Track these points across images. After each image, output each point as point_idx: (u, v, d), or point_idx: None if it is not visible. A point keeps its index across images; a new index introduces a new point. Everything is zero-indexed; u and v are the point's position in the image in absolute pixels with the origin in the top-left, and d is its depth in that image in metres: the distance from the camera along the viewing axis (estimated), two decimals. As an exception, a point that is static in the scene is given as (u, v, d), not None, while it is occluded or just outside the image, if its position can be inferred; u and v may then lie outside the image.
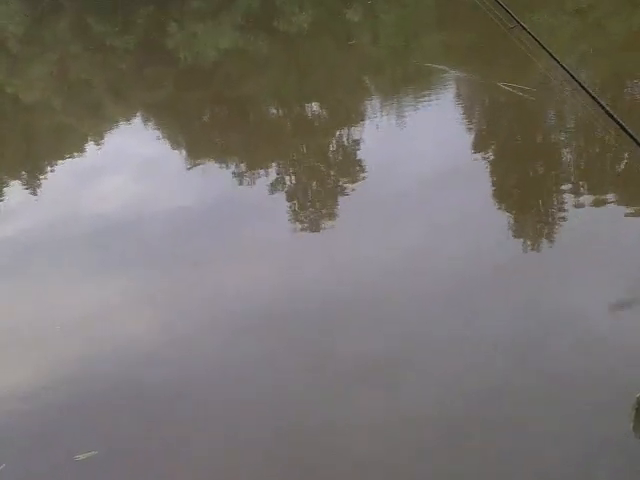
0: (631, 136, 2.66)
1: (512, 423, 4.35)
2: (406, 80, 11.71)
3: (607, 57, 11.02)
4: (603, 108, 2.86)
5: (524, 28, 3.49)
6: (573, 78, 3.01)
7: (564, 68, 3.02)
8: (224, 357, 5.42)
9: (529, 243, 6.58)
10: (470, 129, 9.60)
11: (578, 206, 6.96)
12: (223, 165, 9.51)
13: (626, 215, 6.69)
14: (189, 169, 9.36)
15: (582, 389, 4.51)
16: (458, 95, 10.72)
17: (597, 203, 6.96)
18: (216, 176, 9.07)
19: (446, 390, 4.68)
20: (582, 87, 2.98)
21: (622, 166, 7.93)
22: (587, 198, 7.14)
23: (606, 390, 4.39)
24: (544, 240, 6.62)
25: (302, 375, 5.06)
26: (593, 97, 2.94)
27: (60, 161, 10.54)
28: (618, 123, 2.79)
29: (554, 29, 12.41)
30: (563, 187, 7.53)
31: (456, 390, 4.66)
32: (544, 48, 3.18)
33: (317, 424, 4.56)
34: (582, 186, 7.55)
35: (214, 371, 5.30)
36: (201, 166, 9.42)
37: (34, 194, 9.42)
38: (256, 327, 5.64)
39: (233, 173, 9.15)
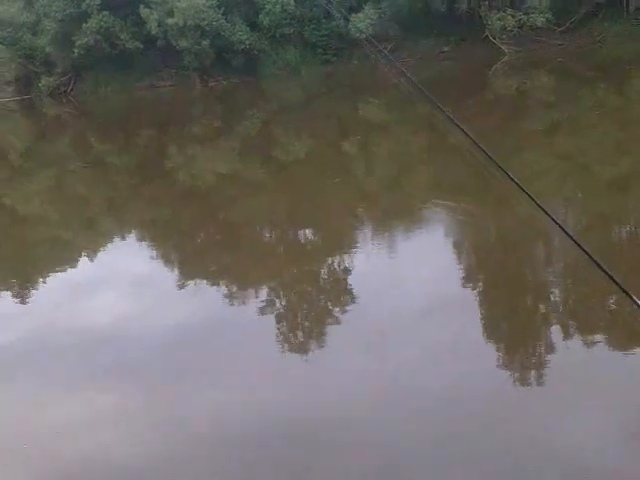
0: (619, 286, 2.74)
1: None
2: (397, 212, 11.94)
3: (593, 200, 11.32)
4: (587, 254, 2.95)
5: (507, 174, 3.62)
6: (554, 221, 3.12)
7: (544, 210, 3.13)
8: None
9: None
10: (459, 262, 9.74)
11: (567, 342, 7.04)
12: (214, 285, 9.59)
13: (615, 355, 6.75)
14: (181, 288, 9.42)
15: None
16: (447, 228, 10.94)
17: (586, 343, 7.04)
18: (207, 296, 9.14)
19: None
20: (565, 232, 3.10)
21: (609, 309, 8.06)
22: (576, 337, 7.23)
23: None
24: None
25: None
26: (578, 244, 3.03)
27: (53, 273, 10.61)
28: (604, 270, 2.87)
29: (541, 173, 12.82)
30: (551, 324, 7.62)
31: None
32: (523, 190, 3.30)
33: None
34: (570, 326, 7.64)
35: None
36: (192, 285, 9.49)
37: (24, 304, 9.43)
38: (230, 445, 5.56)
39: (224, 294, 9.22)
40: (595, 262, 2.80)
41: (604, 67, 22.75)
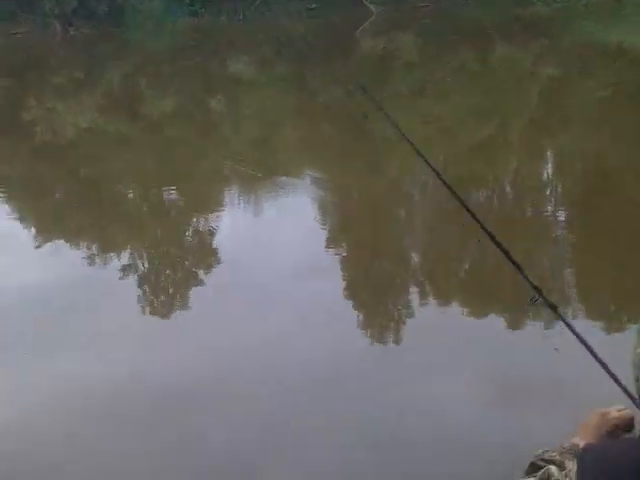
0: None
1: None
2: (264, 173, 11.88)
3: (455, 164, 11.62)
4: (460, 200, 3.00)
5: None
6: (429, 165, 3.13)
7: (421, 155, 3.15)
8: (62, 443, 5.17)
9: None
10: (324, 224, 9.82)
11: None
12: (74, 245, 9.28)
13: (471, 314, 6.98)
14: (38, 248, 9.07)
15: None
16: (315, 191, 10.98)
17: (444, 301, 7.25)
18: (66, 256, 8.83)
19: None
20: (440, 178, 3.13)
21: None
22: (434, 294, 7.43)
23: None
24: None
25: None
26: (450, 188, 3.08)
27: None
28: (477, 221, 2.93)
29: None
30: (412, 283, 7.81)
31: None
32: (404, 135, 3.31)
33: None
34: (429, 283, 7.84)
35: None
36: (51, 245, 9.16)
37: None
38: (98, 415, 5.43)
39: (84, 254, 8.94)
40: (469, 211, 2.83)
41: (468, 30, 23.28)
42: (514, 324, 6.81)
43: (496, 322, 6.83)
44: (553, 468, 1.76)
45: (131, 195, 11.54)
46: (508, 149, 12.60)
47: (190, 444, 5.08)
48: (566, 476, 1.72)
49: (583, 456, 1.73)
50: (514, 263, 2.64)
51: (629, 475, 1.65)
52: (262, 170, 11.97)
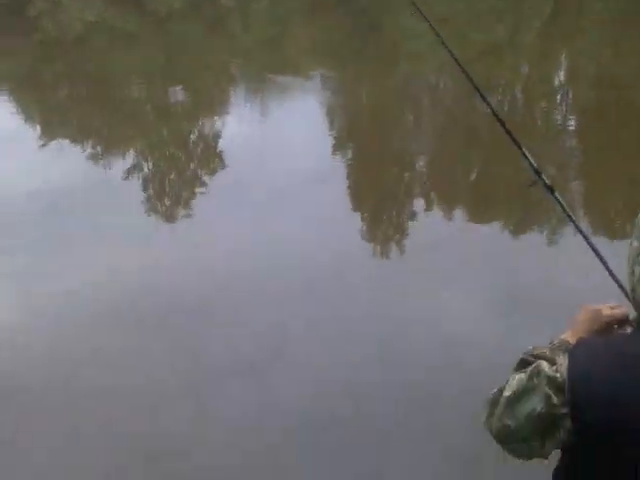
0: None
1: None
2: (273, 75, 11.66)
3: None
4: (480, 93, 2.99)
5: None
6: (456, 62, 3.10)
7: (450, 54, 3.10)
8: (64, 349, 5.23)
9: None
10: (332, 128, 9.70)
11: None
12: (79, 144, 9.19)
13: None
14: (43, 147, 9.00)
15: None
16: (323, 94, 10.80)
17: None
18: (71, 156, 8.75)
19: (312, 384, 4.68)
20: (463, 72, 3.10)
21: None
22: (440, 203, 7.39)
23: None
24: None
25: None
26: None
27: None
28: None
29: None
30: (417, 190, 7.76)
31: (321, 385, 4.67)
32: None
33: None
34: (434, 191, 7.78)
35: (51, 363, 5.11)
36: (55, 144, 9.08)
37: None
38: (105, 323, 5.47)
39: (89, 153, 8.88)
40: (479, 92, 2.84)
41: None
42: (519, 230, 6.81)
43: (500, 229, 6.81)
44: (544, 363, 1.73)
45: (137, 94, 11.37)
46: (521, 52, 12.31)
47: (194, 342, 5.14)
48: (557, 371, 1.68)
49: (574, 350, 1.72)
50: (516, 143, 2.68)
51: (622, 369, 1.64)
52: (270, 70, 11.76)
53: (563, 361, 1.69)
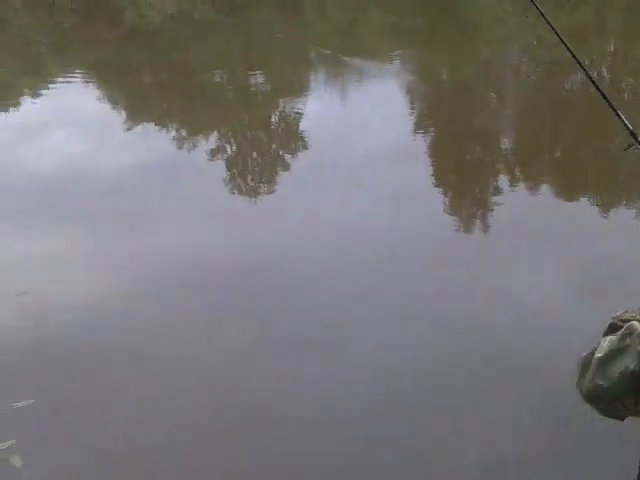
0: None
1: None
2: (351, 56, 11.68)
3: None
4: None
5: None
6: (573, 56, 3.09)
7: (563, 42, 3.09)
8: (158, 319, 5.37)
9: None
10: (412, 110, 9.68)
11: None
12: (164, 129, 9.39)
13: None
14: (128, 130, 9.23)
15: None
16: (401, 75, 10.78)
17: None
18: (156, 139, 8.96)
19: (381, 361, 4.72)
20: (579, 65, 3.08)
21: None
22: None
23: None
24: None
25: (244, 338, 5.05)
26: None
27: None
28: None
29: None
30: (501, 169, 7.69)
31: (396, 359, 4.71)
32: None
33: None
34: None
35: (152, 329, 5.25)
36: (141, 128, 9.30)
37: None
38: (195, 290, 5.60)
39: (173, 137, 9.07)
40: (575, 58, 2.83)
41: None
42: (607, 209, 6.69)
43: (588, 205, 6.72)
44: (636, 323, 1.71)
45: (218, 80, 11.53)
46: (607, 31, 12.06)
47: (271, 314, 5.22)
48: None
49: None
50: (611, 106, 2.64)
51: None
52: (347, 53, 11.78)
53: None
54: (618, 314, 1.85)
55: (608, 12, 13.23)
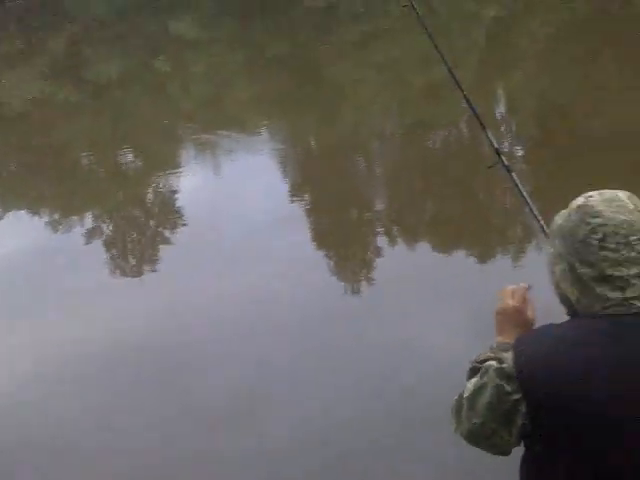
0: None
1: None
2: (218, 129, 11.79)
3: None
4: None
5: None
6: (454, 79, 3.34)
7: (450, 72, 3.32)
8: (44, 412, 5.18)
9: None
10: (285, 178, 9.81)
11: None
12: (35, 214, 9.17)
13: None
14: (-1, 219, 8.97)
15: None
16: (272, 145, 10.95)
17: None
18: (28, 225, 8.72)
19: (303, 423, 4.71)
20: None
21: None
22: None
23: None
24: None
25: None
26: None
27: None
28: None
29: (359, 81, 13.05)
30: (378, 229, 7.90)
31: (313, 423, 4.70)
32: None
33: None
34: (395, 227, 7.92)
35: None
36: (12, 215, 9.05)
37: None
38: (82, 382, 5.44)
39: (46, 222, 8.86)
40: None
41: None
42: (483, 258, 6.95)
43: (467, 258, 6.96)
44: (491, 362, 1.92)
45: (87, 160, 11.37)
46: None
47: (191, 387, 5.14)
48: (504, 363, 1.86)
49: (517, 343, 1.90)
50: (480, 122, 2.93)
51: (563, 349, 1.81)
52: (216, 126, 11.89)
53: (508, 355, 1.87)
54: (474, 358, 2.06)
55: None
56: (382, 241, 7.59)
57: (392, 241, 7.54)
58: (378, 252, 7.36)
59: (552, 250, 1.95)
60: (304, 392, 5.06)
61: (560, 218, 1.93)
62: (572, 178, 7.40)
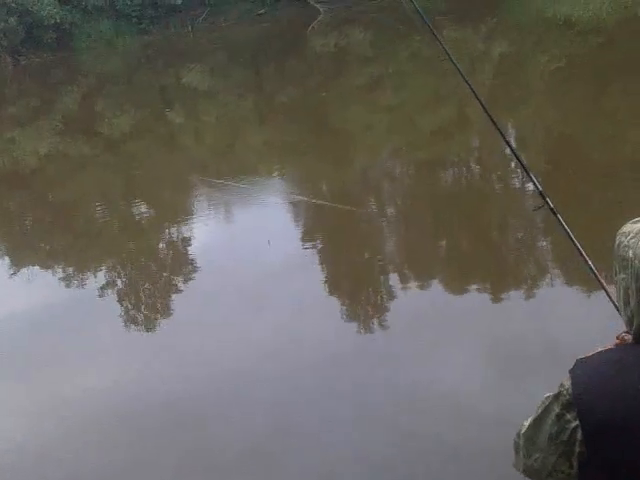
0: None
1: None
2: (233, 178, 11.84)
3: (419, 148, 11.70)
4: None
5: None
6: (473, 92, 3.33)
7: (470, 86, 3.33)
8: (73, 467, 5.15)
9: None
10: (297, 224, 9.82)
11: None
12: (49, 269, 9.22)
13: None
14: (12, 275, 9.00)
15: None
16: (283, 193, 10.98)
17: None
18: (42, 281, 8.76)
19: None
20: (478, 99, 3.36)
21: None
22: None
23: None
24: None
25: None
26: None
27: None
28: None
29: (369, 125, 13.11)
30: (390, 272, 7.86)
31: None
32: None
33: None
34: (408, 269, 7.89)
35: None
36: (26, 271, 9.09)
37: None
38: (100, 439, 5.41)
39: (60, 277, 8.89)
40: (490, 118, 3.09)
41: (413, 19, 23.36)
42: (497, 295, 6.88)
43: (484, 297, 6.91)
44: (546, 394, 1.86)
45: (100, 214, 11.44)
46: (470, 128, 12.69)
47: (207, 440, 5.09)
48: (561, 392, 1.81)
49: (574, 369, 1.81)
50: (522, 164, 2.89)
51: (622, 374, 1.73)
52: (229, 175, 11.94)
53: (566, 382, 1.80)
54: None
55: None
56: (394, 282, 7.55)
57: (404, 284, 7.50)
58: (389, 295, 7.31)
59: (622, 275, 1.83)
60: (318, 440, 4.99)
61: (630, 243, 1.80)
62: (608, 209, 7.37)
